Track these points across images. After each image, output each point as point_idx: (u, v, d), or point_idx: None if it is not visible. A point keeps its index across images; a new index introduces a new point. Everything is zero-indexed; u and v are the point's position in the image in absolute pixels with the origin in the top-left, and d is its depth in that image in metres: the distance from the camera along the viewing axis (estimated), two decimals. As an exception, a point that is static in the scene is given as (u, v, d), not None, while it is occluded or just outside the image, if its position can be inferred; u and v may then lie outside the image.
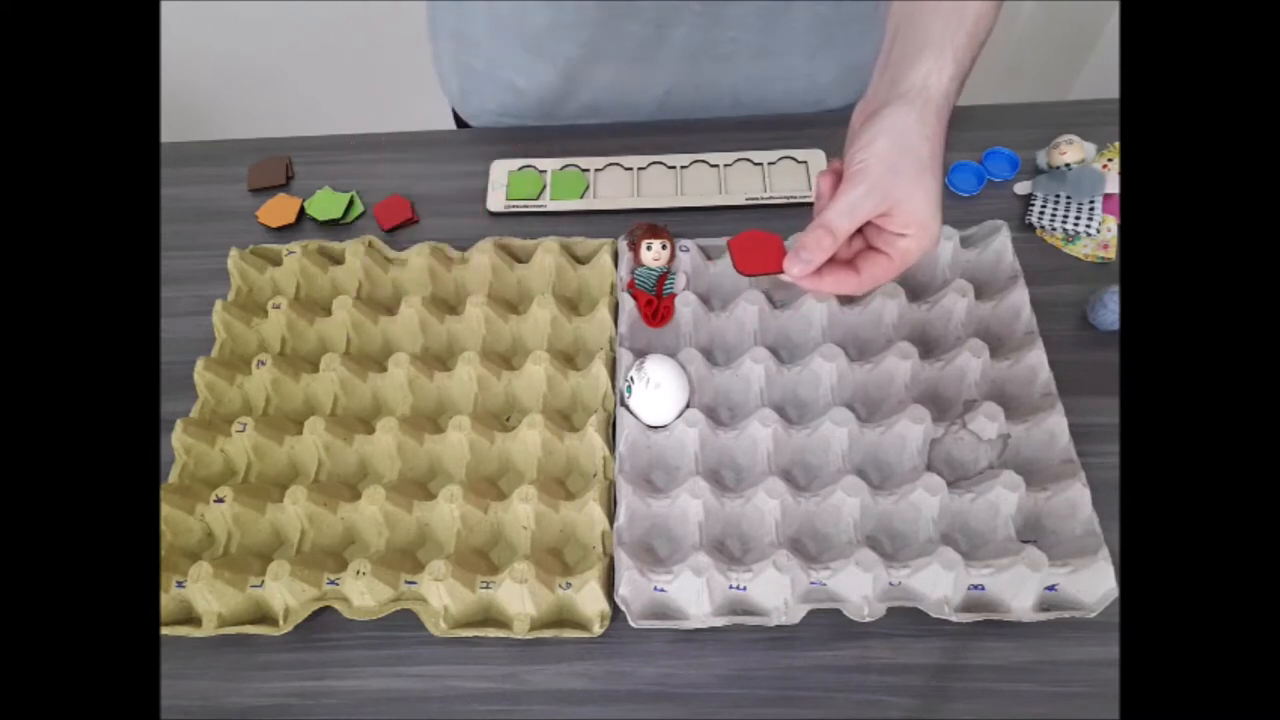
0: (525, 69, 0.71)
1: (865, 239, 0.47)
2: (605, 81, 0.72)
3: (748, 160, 0.70)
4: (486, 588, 0.50)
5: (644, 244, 0.59)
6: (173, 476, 0.55)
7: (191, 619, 0.51)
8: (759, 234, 0.48)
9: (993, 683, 0.48)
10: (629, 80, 0.71)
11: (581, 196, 0.69)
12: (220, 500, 0.52)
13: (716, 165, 0.69)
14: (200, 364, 0.58)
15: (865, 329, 0.59)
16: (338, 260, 0.65)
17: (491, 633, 0.50)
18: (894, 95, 0.44)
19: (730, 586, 0.49)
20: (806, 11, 0.68)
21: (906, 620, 0.49)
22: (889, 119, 0.44)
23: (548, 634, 0.49)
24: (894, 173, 0.43)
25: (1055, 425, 0.52)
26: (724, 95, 0.73)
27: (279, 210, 0.69)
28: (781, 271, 0.46)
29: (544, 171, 0.70)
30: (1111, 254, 0.64)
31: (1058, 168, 0.66)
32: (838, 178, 0.45)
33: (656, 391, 0.53)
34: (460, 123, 0.84)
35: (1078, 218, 0.64)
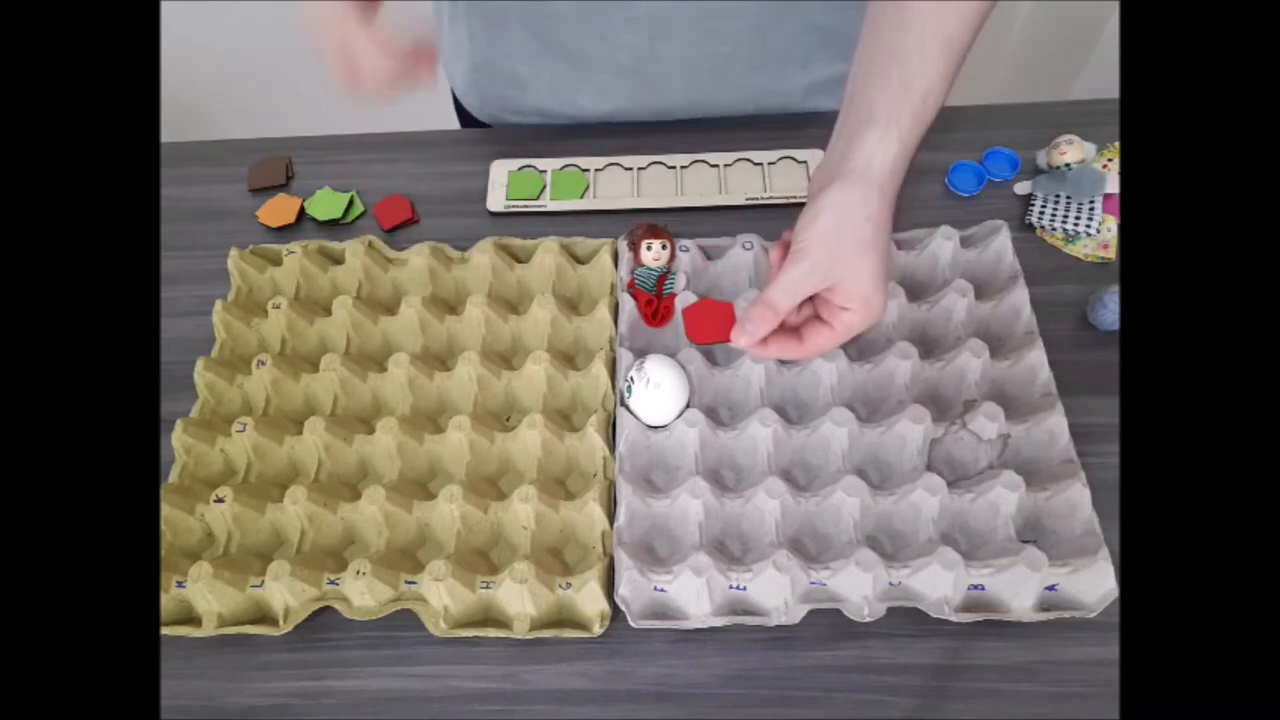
0: (528, 59, 0.71)
1: (813, 307, 0.48)
2: (602, 92, 0.72)
3: (748, 160, 0.70)
4: (486, 588, 0.50)
5: (644, 244, 0.59)
6: (173, 476, 0.55)
7: (191, 619, 0.51)
8: (710, 303, 0.53)
9: (993, 683, 0.48)
10: (623, 92, 0.71)
11: (581, 196, 0.69)
12: (220, 500, 0.52)
13: (716, 165, 0.69)
14: (200, 364, 0.58)
15: (865, 329, 0.59)
16: (338, 260, 0.65)
17: (491, 633, 0.50)
18: (839, 172, 0.45)
19: (730, 586, 0.49)
20: (800, 24, 0.68)
21: (906, 620, 0.49)
22: (832, 197, 0.45)
23: (548, 634, 0.49)
24: (835, 251, 0.45)
25: (1055, 425, 0.52)
26: (719, 109, 0.73)
27: (279, 210, 0.69)
28: (729, 341, 0.49)
29: (544, 171, 0.70)
30: (1111, 254, 0.64)
31: (1058, 168, 0.66)
32: (786, 250, 0.47)
33: (656, 391, 0.53)
34: (463, 119, 0.84)
35: (1078, 218, 0.64)
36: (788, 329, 0.49)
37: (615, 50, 0.68)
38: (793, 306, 0.46)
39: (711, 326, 0.53)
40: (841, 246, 0.45)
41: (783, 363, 0.56)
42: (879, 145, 0.45)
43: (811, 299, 0.48)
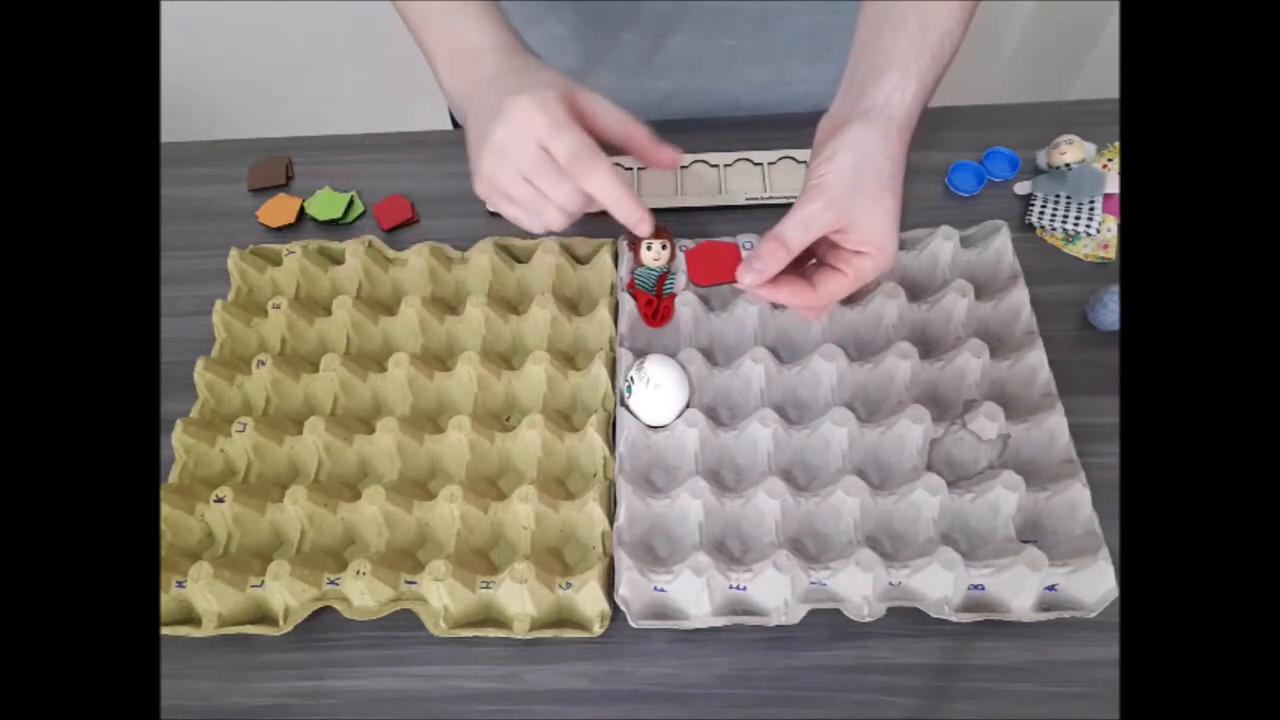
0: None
1: (821, 257, 0.47)
2: (603, 90, 0.72)
3: (748, 160, 0.70)
4: (486, 588, 0.50)
5: (644, 244, 0.59)
6: (173, 476, 0.55)
7: (191, 619, 0.51)
8: (715, 244, 0.49)
9: (993, 683, 0.48)
10: (628, 89, 0.71)
11: (581, 196, 0.69)
12: (220, 500, 0.52)
13: (716, 165, 0.69)
14: (200, 364, 0.58)
15: (865, 329, 0.59)
16: (338, 260, 0.65)
17: (491, 633, 0.50)
18: (857, 112, 0.44)
19: (730, 586, 0.49)
20: (804, 18, 0.68)
21: (906, 620, 0.49)
22: (851, 135, 0.44)
23: (548, 634, 0.49)
24: (854, 189, 0.43)
25: (1055, 425, 0.52)
26: (722, 102, 0.73)
27: (279, 210, 0.69)
28: (734, 281, 0.46)
29: (544, 171, 0.70)
30: (1111, 254, 0.64)
31: (1058, 168, 0.66)
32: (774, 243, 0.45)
33: (656, 391, 0.53)
34: (458, 125, 0.84)
35: (1078, 218, 0.64)
36: (797, 275, 0.46)
37: (620, 49, 0.68)
38: (805, 243, 0.44)
39: (716, 267, 0.49)
40: (861, 184, 0.43)
41: (782, 362, 0.56)
42: (898, 86, 0.44)
43: (816, 251, 0.46)
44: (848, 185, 0.43)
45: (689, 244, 0.61)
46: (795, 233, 0.44)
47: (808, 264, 0.48)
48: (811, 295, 0.46)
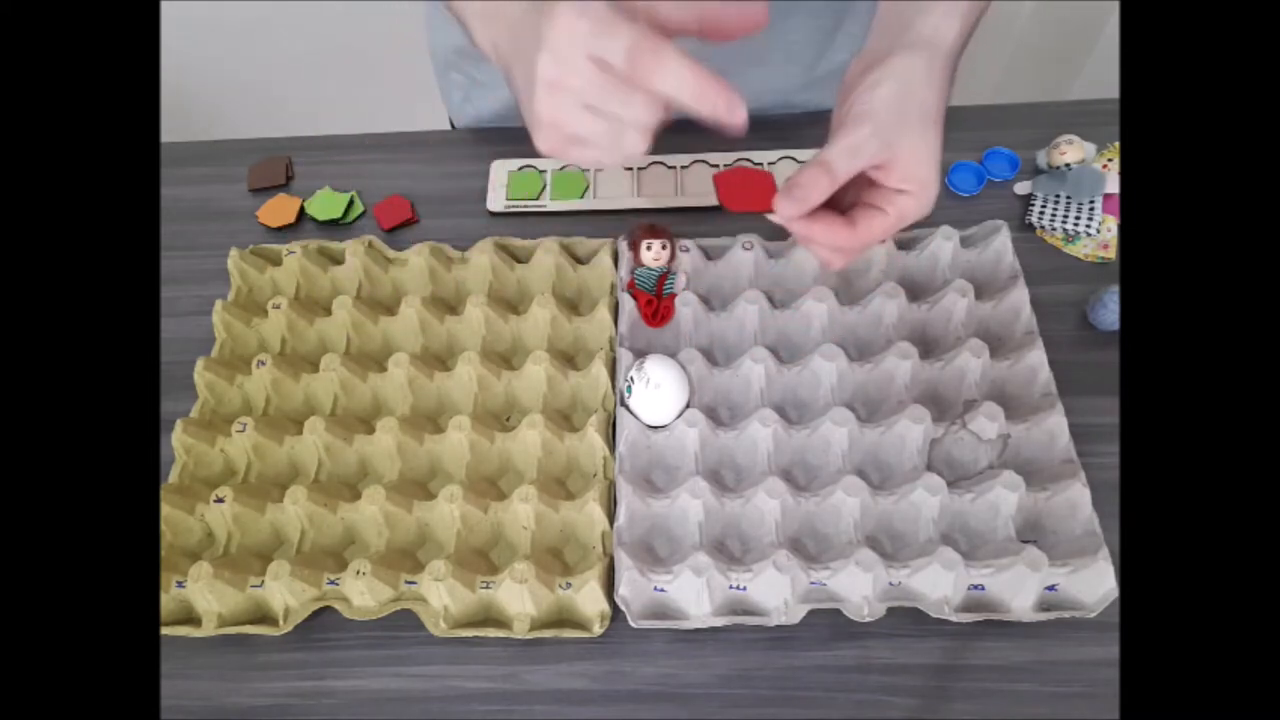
0: None
1: (852, 199, 0.43)
2: None
3: (748, 160, 0.70)
4: (486, 588, 0.50)
5: (644, 244, 0.59)
6: (173, 476, 0.55)
7: (191, 619, 0.51)
8: (748, 170, 0.45)
9: (993, 683, 0.48)
10: None
11: (581, 196, 0.69)
12: (220, 500, 0.52)
13: (716, 165, 0.69)
14: (200, 364, 0.58)
15: (865, 329, 0.59)
16: (338, 260, 0.65)
17: (491, 633, 0.50)
18: (900, 44, 0.41)
19: (730, 586, 0.49)
20: (806, 20, 0.67)
21: (906, 620, 0.49)
22: (896, 64, 0.41)
23: (548, 634, 0.49)
24: (900, 119, 0.40)
25: (1055, 425, 0.52)
26: None
27: (279, 210, 0.69)
28: (770, 210, 0.42)
29: (544, 171, 0.70)
30: (1111, 254, 0.64)
31: (1058, 168, 0.66)
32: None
33: (656, 391, 0.53)
34: (456, 126, 0.84)
35: (1078, 218, 0.64)
36: (833, 213, 0.42)
37: None
38: (850, 173, 0.40)
39: (751, 194, 0.44)
40: (908, 115, 0.40)
41: (782, 362, 0.56)
42: (945, 18, 0.42)
43: (845, 195, 0.42)
44: (895, 114, 0.40)
45: (688, 244, 0.61)
46: (842, 160, 0.40)
47: (841, 197, 0.44)
48: (849, 234, 0.42)
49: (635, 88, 0.37)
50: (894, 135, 0.40)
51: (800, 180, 0.40)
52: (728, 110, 0.37)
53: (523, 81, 0.40)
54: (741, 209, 0.44)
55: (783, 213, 0.41)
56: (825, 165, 0.40)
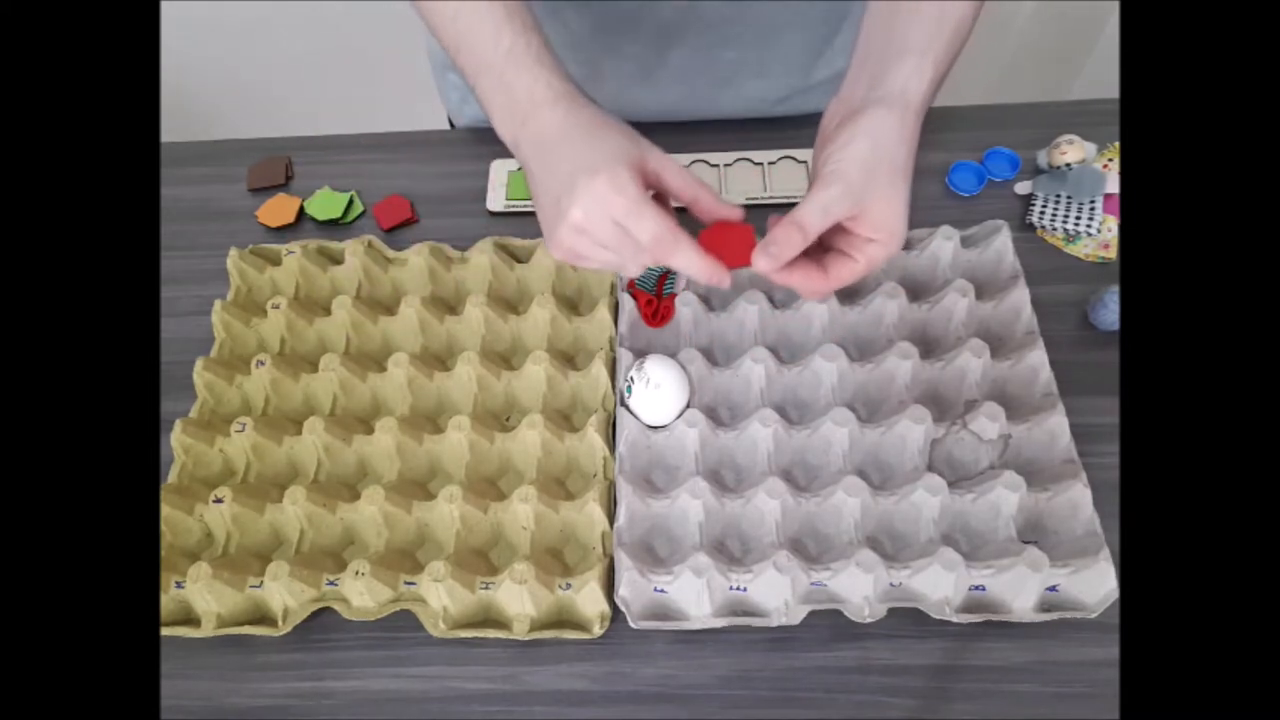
0: None
1: (829, 243, 0.47)
2: (606, 101, 0.71)
3: (748, 160, 0.69)
4: (486, 588, 0.50)
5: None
6: (172, 476, 0.55)
7: (191, 619, 0.51)
8: (727, 224, 0.47)
9: (993, 683, 0.48)
10: (630, 100, 0.71)
11: (581, 196, 0.68)
12: (219, 500, 0.52)
13: (716, 165, 0.69)
14: (200, 364, 0.58)
15: (865, 329, 0.59)
16: (337, 260, 0.65)
17: (491, 633, 0.50)
18: (873, 99, 0.44)
19: (730, 587, 0.49)
20: (805, 32, 0.68)
21: (907, 621, 0.49)
22: (868, 121, 0.44)
23: (547, 635, 0.49)
24: (870, 175, 0.43)
25: (1056, 425, 0.52)
26: (720, 114, 0.73)
27: (278, 210, 0.69)
28: (749, 265, 0.46)
29: (544, 171, 0.70)
30: (1111, 254, 0.64)
31: (1058, 168, 0.66)
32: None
33: (656, 391, 0.53)
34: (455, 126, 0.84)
35: (1078, 218, 0.64)
36: (808, 259, 0.46)
37: (623, 62, 0.68)
38: (822, 229, 0.44)
39: (731, 250, 0.47)
40: (878, 171, 0.43)
41: (782, 362, 0.56)
42: (915, 72, 0.44)
43: (823, 238, 0.46)
44: (867, 172, 0.43)
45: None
46: (813, 218, 0.44)
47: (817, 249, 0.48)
48: (822, 280, 0.46)
49: (648, 252, 0.45)
50: (864, 192, 0.43)
51: (776, 238, 0.44)
52: (719, 283, 0.46)
53: (545, 198, 0.46)
54: (729, 267, 0.48)
55: (760, 268, 0.45)
56: (798, 224, 0.44)
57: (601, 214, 0.44)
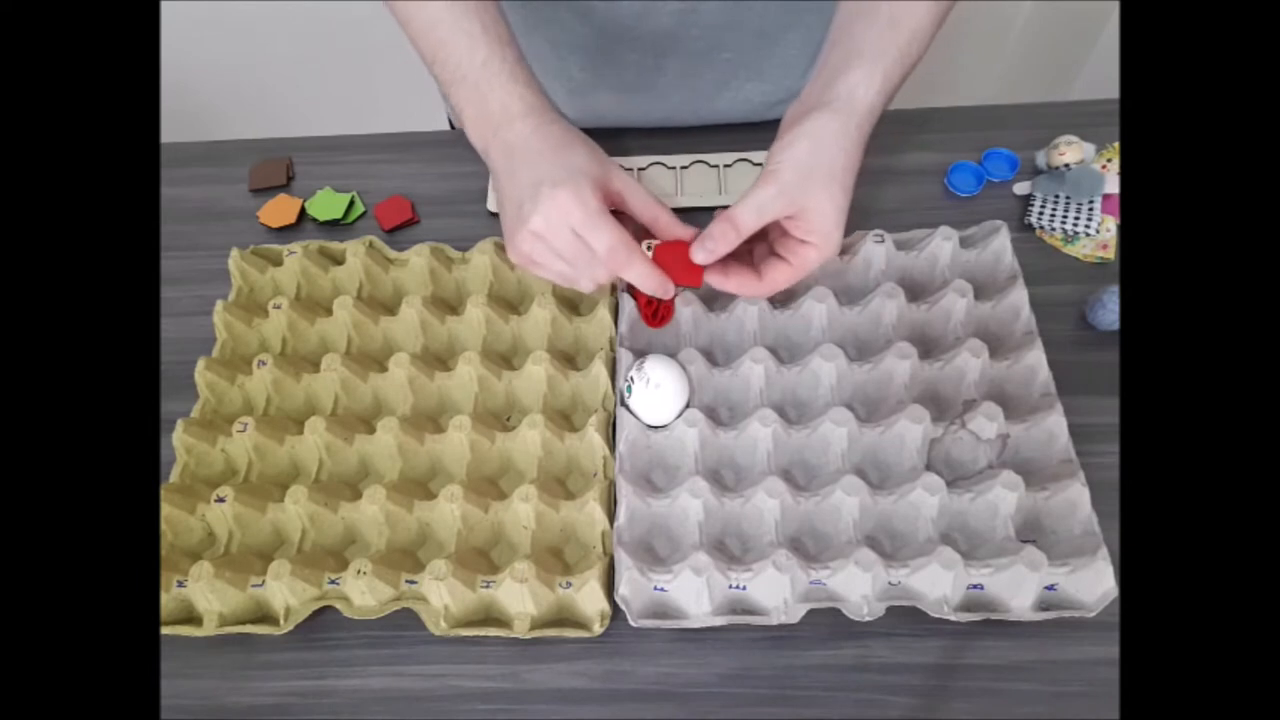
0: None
1: (771, 242, 0.48)
2: (606, 106, 0.72)
3: (747, 160, 0.70)
4: (487, 587, 0.50)
5: (643, 244, 0.59)
6: (173, 476, 0.55)
7: (192, 618, 0.51)
8: (673, 243, 0.50)
9: (992, 682, 0.48)
10: (629, 105, 0.71)
11: (582, 197, 0.69)
12: (221, 500, 0.52)
13: (716, 165, 0.69)
14: (201, 364, 0.58)
15: (865, 329, 0.59)
16: (338, 260, 0.65)
17: (492, 632, 0.50)
18: (821, 102, 0.45)
19: (730, 586, 0.49)
20: (803, 34, 0.68)
21: (906, 620, 0.49)
22: (811, 124, 0.45)
23: (548, 633, 0.50)
24: (807, 177, 0.44)
25: (1054, 425, 0.52)
26: (718, 118, 0.73)
27: (280, 211, 0.69)
28: (699, 285, 0.49)
29: (544, 172, 0.70)
30: (1111, 254, 0.64)
31: (1057, 168, 0.66)
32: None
33: (656, 391, 0.53)
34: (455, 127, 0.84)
35: (1077, 218, 0.64)
36: (745, 265, 0.49)
37: (622, 70, 0.68)
38: (755, 227, 0.46)
39: (681, 267, 0.50)
40: (814, 173, 0.44)
41: (782, 362, 0.56)
42: (863, 79, 0.45)
43: (765, 237, 0.48)
44: (802, 173, 0.44)
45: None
46: (747, 216, 0.45)
47: (759, 245, 0.50)
48: (756, 284, 0.48)
49: (603, 265, 0.47)
50: (799, 194, 0.45)
51: (711, 233, 0.46)
52: (664, 295, 0.49)
53: (509, 203, 0.49)
54: (679, 284, 0.50)
55: (697, 260, 0.48)
56: (732, 221, 0.46)
57: (561, 223, 0.46)
